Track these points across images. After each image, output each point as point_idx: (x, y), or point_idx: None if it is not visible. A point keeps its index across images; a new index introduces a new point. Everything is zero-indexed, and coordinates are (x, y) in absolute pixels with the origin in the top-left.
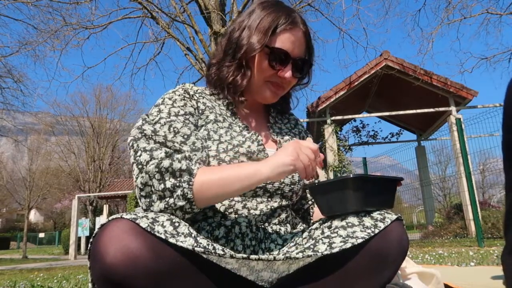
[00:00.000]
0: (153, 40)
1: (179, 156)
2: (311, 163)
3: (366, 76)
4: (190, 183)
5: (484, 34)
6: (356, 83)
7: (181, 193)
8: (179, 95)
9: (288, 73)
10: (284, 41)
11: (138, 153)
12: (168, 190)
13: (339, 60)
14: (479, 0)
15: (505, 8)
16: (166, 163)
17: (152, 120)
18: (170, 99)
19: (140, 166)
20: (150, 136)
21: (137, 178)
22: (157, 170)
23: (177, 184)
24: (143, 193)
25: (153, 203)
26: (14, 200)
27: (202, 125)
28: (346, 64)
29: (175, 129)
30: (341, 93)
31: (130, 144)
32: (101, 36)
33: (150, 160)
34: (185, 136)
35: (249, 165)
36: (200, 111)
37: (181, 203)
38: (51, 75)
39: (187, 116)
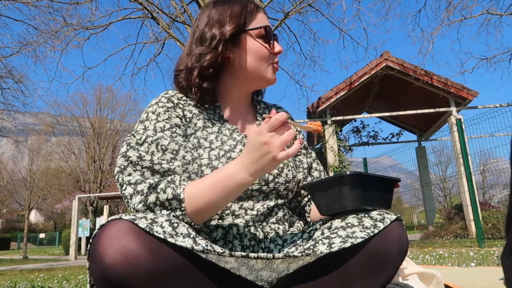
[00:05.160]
0: (154, 40)
1: (162, 185)
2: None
3: (367, 76)
4: (182, 209)
5: (484, 34)
6: (356, 83)
7: None
8: (162, 107)
9: (279, 47)
10: (262, 21)
11: (124, 187)
12: None
13: (339, 61)
14: (479, 0)
15: (506, 9)
16: (152, 198)
17: (139, 139)
18: (153, 113)
19: (126, 200)
20: (137, 163)
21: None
22: (145, 207)
23: (171, 214)
24: None
25: None
26: (15, 200)
27: (192, 133)
28: (347, 64)
29: (162, 146)
30: (342, 93)
31: (116, 177)
32: (102, 36)
33: (135, 195)
34: (174, 152)
35: (233, 176)
36: (188, 119)
37: None
38: (51, 75)
39: (174, 129)
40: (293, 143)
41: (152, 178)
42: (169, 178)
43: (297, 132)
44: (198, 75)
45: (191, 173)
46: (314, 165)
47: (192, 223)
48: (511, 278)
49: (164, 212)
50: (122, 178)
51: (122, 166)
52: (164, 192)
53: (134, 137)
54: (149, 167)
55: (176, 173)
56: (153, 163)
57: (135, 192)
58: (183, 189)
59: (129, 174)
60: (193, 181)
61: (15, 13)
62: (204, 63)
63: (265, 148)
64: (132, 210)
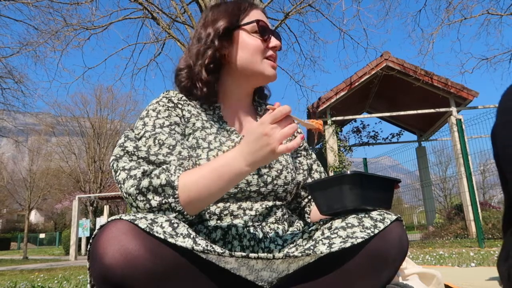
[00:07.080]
0: (154, 40)
1: (156, 171)
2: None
3: (367, 76)
4: (175, 196)
5: (484, 34)
6: (356, 83)
7: (169, 207)
8: (162, 106)
9: (276, 41)
10: (256, 15)
11: (118, 173)
12: (155, 208)
13: (339, 61)
14: (479, 0)
15: (506, 9)
16: (145, 182)
17: (138, 134)
18: (154, 110)
19: (119, 186)
20: (133, 153)
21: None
22: (138, 192)
23: (163, 201)
24: (133, 211)
25: None
26: (15, 200)
27: (190, 133)
28: (347, 64)
29: (160, 141)
30: (342, 93)
31: (111, 165)
32: (102, 36)
33: (128, 179)
34: (171, 147)
35: (231, 164)
36: (186, 119)
37: (172, 215)
38: (51, 75)
39: (173, 127)
40: (295, 137)
41: (147, 166)
42: (164, 166)
43: (299, 132)
44: (203, 70)
45: (186, 168)
46: (315, 166)
47: (185, 213)
48: (508, 283)
49: (157, 198)
50: (117, 165)
51: (118, 155)
52: (158, 177)
53: (133, 132)
54: (145, 157)
55: (172, 165)
56: (149, 153)
57: (128, 176)
58: (178, 176)
59: (124, 162)
60: (189, 170)
61: (15, 13)
62: (206, 59)
63: (265, 140)
64: (124, 195)
